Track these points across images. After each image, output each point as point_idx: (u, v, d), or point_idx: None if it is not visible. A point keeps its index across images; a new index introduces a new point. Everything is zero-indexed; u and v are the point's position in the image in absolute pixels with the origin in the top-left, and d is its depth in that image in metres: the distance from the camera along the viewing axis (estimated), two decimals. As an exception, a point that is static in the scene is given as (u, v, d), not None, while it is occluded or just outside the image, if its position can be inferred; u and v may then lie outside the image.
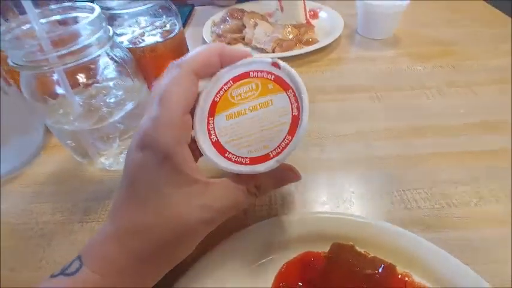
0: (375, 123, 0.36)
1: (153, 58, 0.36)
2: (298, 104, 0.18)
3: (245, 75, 0.20)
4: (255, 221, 0.24)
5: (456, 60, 0.46)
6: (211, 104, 0.20)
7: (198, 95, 0.20)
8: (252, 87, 0.20)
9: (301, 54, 0.47)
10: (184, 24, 0.63)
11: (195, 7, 0.70)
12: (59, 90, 0.27)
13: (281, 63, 0.20)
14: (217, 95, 0.20)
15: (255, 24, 0.51)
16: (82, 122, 0.28)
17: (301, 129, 0.18)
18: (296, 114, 0.18)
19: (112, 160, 0.32)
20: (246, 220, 0.26)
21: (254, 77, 0.20)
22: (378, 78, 0.43)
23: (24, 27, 0.25)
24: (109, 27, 0.27)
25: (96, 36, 0.24)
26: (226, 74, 0.20)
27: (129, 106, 0.29)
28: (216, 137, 0.19)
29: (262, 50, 0.48)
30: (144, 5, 0.34)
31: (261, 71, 0.20)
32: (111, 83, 0.30)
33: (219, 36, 0.51)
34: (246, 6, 0.61)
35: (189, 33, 0.58)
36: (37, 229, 0.27)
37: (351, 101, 0.39)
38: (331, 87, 0.42)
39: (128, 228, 0.17)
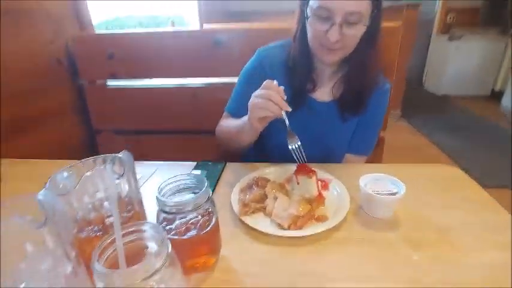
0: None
1: (190, 247, 0.45)
2: None
3: None
4: None
5: (451, 251, 0.52)
6: None
7: None
8: None
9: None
10: (217, 180, 0.77)
11: (227, 163, 0.85)
12: None
13: None
14: None
15: (275, 197, 0.63)
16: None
17: None
18: None
19: None
20: None
21: None
22: (383, 268, 0.49)
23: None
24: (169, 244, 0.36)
25: (161, 259, 0.34)
26: None
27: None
28: None
29: (279, 225, 0.57)
30: (196, 209, 0.45)
31: None
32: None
33: (244, 205, 0.62)
34: (271, 172, 0.75)
35: (219, 194, 0.70)
36: None
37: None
38: (341, 276, 0.48)
39: None
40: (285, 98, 0.66)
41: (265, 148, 0.92)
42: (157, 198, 0.45)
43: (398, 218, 0.60)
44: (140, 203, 0.51)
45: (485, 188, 2.28)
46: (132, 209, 0.48)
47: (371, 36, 0.75)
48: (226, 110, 0.95)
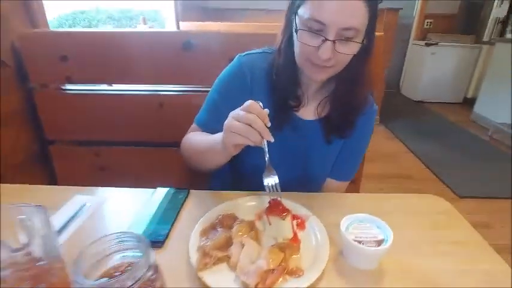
0: None
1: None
2: None
3: None
4: None
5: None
6: None
7: None
8: None
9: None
10: (177, 213, 0.66)
11: (190, 191, 0.74)
12: None
13: None
14: None
15: (242, 244, 0.53)
16: None
17: None
18: None
19: None
20: None
21: None
22: None
23: None
24: None
25: None
26: None
27: None
28: None
29: (244, 283, 0.47)
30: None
31: None
32: None
33: (205, 255, 0.51)
34: (240, 204, 0.65)
35: (176, 234, 0.59)
36: None
37: None
38: None
39: None
40: (269, 124, 0.56)
41: (241, 167, 0.82)
42: (73, 276, 0.33)
43: (384, 269, 0.52)
44: (61, 269, 0.39)
45: (459, 197, 2.27)
46: (44, 280, 0.36)
47: (364, 53, 0.66)
48: (196, 122, 0.83)
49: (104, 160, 1.27)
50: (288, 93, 0.75)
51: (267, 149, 0.59)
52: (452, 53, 4.05)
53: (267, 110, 0.57)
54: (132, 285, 0.34)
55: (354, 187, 1.15)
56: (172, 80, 1.19)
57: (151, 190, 0.73)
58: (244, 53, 0.80)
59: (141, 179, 1.28)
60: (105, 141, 1.26)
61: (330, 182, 0.83)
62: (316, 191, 0.82)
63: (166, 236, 0.58)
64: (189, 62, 1.16)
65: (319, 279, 0.49)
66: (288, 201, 0.65)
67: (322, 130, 0.77)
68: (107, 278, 0.37)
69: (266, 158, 0.60)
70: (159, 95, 1.21)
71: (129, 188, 0.75)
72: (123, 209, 0.68)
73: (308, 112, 0.77)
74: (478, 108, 3.66)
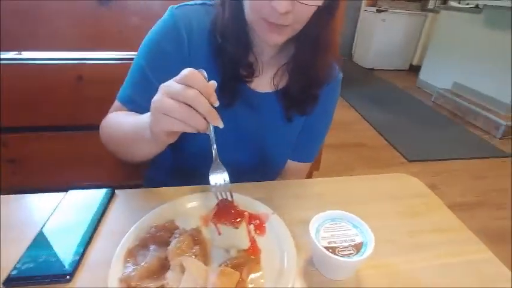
0: None
1: None
2: None
3: None
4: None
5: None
6: None
7: None
8: None
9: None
10: (96, 225, 0.49)
11: (116, 191, 0.57)
12: None
13: None
14: None
15: (182, 268, 0.39)
16: None
17: None
18: None
19: None
20: None
21: None
22: None
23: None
24: None
25: None
26: None
27: None
28: None
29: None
30: None
31: None
32: None
33: (129, 291, 0.37)
34: (183, 205, 0.50)
35: (93, 258, 0.43)
36: None
37: None
38: None
39: None
40: (217, 103, 0.40)
41: (181, 155, 0.66)
42: None
43: (363, 276, 0.43)
44: None
45: (408, 161, 2.36)
46: None
47: (328, 8, 0.51)
48: (119, 99, 0.61)
49: (13, 151, 1.01)
50: (237, 60, 0.58)
51: (214, 137, 0.44)
52: (400, 20, 4.13)
53: (213, 83, 0.41)
54: None
55: (314, 160, 1.07)
56: (92, 45, 0.94)
57: (60, 195, 0.55)
58: (178, 5, 0.60)
59: (62, 171, 1.06)
60: (13, 127, 0.99)
61: (290, 164, 0.72)
62: (275, 177, 0.71)
63: (77, 264, 0.42)
64: (111, 21, 0.92)
65: None
66: (242, 197, 0.52)
67: (280, 105, 0.64)
68: None
69: (214, 149, 0.45)
70: (77, 64, 0.95)
71: (30, 194, 0.56)
72: (19, 227, 0.49)
73: (263, 83, 0.63)
74: (422, 75, 3.84)
